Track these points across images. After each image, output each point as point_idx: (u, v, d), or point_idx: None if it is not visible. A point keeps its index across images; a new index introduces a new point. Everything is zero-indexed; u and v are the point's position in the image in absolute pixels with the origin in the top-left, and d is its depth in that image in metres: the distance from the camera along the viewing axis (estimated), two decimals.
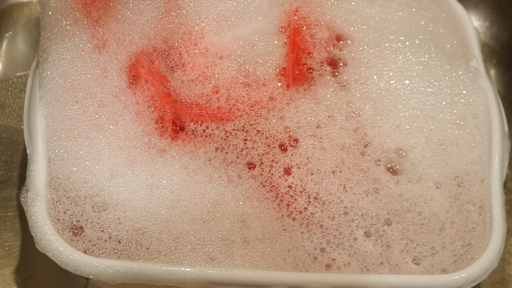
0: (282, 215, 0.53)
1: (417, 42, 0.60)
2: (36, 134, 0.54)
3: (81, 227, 0.51)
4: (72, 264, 0.49)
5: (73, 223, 0.51)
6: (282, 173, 0.55)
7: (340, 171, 0.55)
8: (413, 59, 0.60)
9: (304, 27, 0.61)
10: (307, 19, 0.61)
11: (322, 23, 0.61)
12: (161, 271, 0.49)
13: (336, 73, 0.59)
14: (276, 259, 0.51)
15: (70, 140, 0.53)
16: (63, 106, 0.54)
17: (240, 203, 0.53)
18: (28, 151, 0.54)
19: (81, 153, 0.53)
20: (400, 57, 0.60)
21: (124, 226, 0.51)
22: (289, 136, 0.56)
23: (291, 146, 0.56)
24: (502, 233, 0.52)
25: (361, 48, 0.60)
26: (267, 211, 0.53)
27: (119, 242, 0.51)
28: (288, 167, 0.55)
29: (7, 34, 0.73)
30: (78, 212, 0.51)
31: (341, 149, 0.56)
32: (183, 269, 0.49)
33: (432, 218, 0.54)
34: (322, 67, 0.60)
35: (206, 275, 0.49)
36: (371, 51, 0.60)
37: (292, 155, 0.56)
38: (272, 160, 0.55)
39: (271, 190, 0.54)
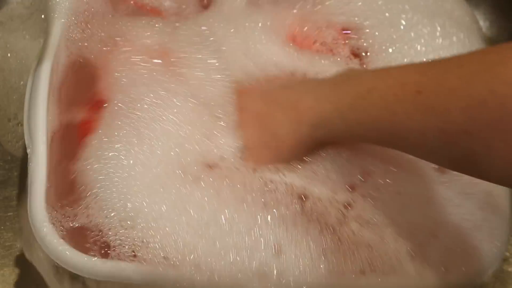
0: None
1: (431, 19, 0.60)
2: (36, 135, 0.53)
3: (107, 243, 0.49)
4: (72, 263, 0.48)
5: (101, 240, 0.49)
6: None
7: None
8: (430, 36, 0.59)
9: (316, 32, 0.60)
10: (316, 23, 0.61)
11: (330, 22, 0.60)
12: (158, 273, 0.48)
13: (364, 65, 0.59)
14: None
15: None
16: None
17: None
18: (28, 151, 0.54)
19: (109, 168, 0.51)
20: (415, 34, 0.59)
21: (152, 250, 0.49)
22: None
23: None
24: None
25: (377, 33, 0.59)
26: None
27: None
28: None
29: (7, 34, 0.73)
30: (105, 227, 0.49)
31: None
32: (179, 272, 0.48)
33: None
34: (351, 60, 0.59)
35: (197, 281, 0.48)
36: (388, 33, 0.60)
37: None
38: None
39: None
